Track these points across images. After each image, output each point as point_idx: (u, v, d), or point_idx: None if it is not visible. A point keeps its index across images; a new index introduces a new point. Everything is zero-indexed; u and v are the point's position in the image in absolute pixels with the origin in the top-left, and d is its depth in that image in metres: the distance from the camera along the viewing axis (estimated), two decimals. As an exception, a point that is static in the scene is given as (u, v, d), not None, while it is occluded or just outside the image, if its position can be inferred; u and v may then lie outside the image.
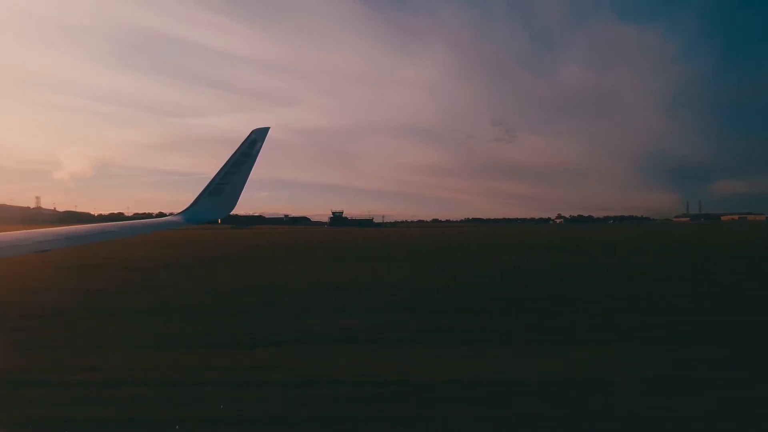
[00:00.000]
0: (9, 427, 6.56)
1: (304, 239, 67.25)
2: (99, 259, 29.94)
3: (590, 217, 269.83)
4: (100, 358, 9.47)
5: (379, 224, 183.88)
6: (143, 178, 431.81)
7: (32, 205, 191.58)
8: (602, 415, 6.83)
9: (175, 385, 7.99)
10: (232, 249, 45.54)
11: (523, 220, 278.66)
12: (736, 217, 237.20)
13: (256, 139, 6.68)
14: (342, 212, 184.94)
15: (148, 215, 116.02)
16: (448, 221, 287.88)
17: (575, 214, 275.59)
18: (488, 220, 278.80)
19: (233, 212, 6.77)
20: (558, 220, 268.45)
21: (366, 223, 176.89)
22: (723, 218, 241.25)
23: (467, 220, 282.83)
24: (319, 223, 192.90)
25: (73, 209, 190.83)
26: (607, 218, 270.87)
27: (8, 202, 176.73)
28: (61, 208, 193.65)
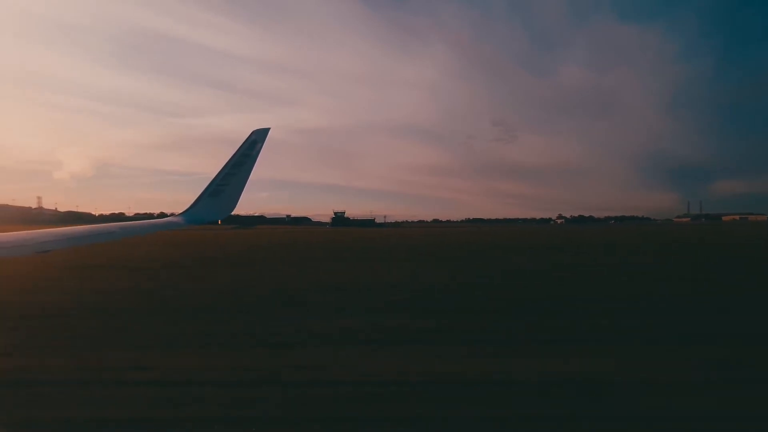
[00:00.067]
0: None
1: (310, 240, 67.26)
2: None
3: (591, 218, 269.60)
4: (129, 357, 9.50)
5: (381, 224, 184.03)
6: (143, 178, 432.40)
7: (34, 206, 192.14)
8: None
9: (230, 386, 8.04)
10: (242, 249, 45.57)
11: (524, 221, 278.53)
12: (737, 217, 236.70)
13: (256, 140, 6.69)
14: (344, 212, 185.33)
15: (149, 215, 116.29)
16: (448, 221, 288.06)
17: (576, 215, 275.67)
18: (489, 221, 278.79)
19: (234, 212, 6.80)
20: (559, 221, 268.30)
21: (368, 224, 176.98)
22: (724, 218, 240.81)
23: (468, 221, 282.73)
24: (320, 224, 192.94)
25: (74, 209, 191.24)
26: (608, 218, 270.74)
27: (10, 203, 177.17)
28: (62, 209, 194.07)
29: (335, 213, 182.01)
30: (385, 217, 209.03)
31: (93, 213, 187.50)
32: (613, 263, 29.83)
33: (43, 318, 13.15)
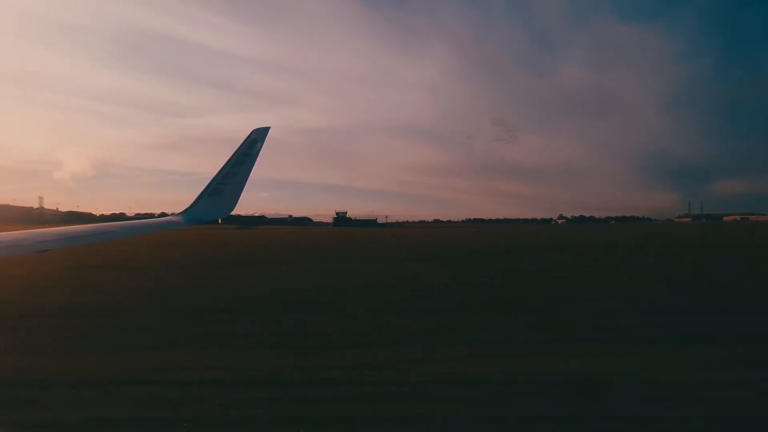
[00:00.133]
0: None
1: (316, 240, 67.10)
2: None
3: (592, 218, 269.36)
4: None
5: (382, 224, 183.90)
6: (143, 178, 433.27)
7: (35, 206, 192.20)
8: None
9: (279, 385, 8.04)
10: (248, 249, 45.56)
11: (525, 221, 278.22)
12: (738, 217, 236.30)
13: (256, 139, 6.68)
14: (346, 212, 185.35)
15: (150, 215, 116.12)
16: (449, 221, 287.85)
17: (576, 215, 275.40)
18: (490, 221, 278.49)
19: (234, 212, 6.78)
20: (560, 221, 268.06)
21: (370, 224, 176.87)
22: (725, 219, 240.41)
23: (469, 221, 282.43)
24: (322, 224, 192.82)
25: (75, 209, 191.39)
26: (608, 219, 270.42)
27: (11, 203, 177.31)
28: (62, 209, 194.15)
29: (337, 213, 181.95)
30: (386, 217, 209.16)
31: (94, 213, 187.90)
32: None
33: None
